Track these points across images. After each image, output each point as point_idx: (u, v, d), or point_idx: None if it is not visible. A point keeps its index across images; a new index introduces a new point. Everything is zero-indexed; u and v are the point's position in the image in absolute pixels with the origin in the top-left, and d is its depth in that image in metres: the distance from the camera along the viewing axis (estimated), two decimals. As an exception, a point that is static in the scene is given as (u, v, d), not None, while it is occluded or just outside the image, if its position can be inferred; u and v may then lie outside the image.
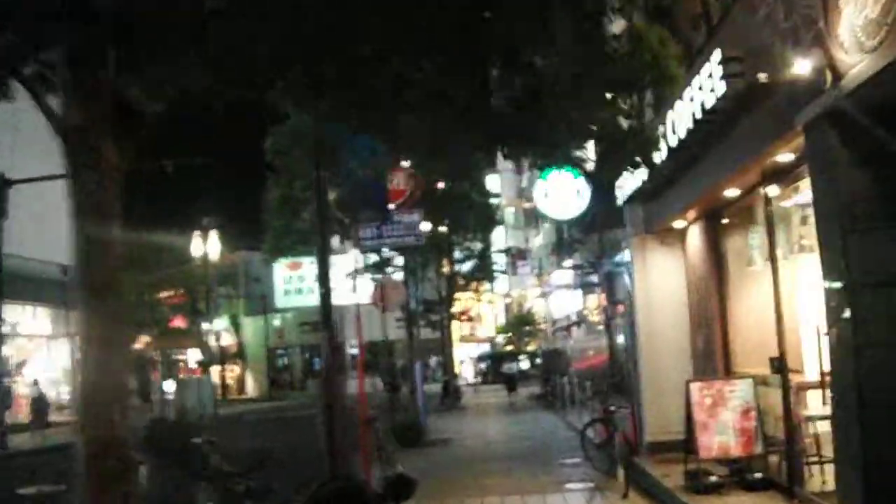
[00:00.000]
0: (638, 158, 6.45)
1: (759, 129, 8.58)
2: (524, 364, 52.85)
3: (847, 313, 6.90)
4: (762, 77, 7.77)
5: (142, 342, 67.62)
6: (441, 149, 7.51)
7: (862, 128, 6.71)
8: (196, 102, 6.44)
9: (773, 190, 9.99)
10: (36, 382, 37.61)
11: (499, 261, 42.27)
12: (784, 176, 9.53)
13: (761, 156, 8.85)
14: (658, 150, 7.18)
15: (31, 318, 39.28)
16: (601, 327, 38.01)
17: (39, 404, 34.08)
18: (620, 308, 28.26)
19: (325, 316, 12.88)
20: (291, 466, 15.30)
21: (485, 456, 18.40)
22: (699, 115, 8.91)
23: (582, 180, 15.34)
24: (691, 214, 12.90)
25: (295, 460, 13.62)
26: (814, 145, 7.34)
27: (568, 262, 34.17)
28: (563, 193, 15.26)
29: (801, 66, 7.07)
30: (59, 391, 39.70)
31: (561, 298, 35.74)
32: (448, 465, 17.15)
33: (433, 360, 48.55)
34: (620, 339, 30.39)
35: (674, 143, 9.86)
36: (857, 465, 6.95)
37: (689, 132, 9.41)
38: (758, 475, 10.69)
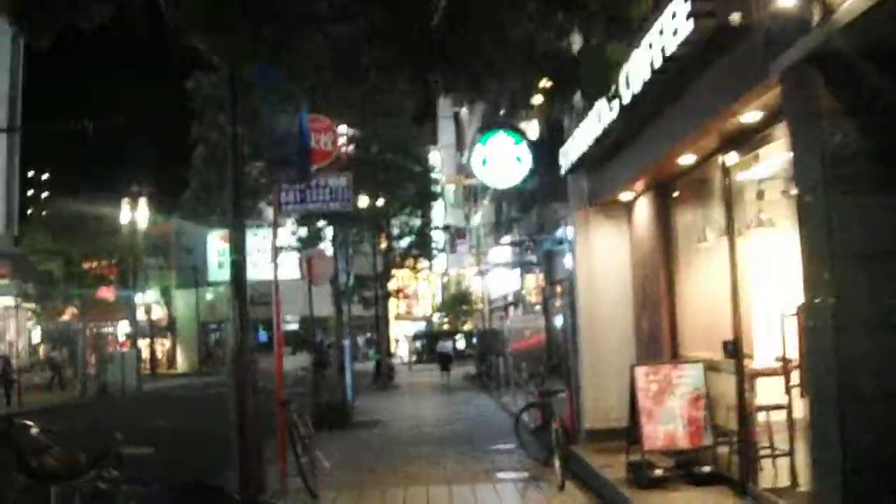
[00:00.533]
0: (592, 86, 5.32)
1: (724, 82, 7.53)
2: (460, 343, 52.00)
3: (828, 290, 5.90)
4: (735, 18, 6.69)
5: (69, 314, 65.81)
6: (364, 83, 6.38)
7: (853, 73, 5.68)
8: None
9: (731, 158, 9.01)
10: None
11: (438, 238, 41.06)
12: (746, 142, 8.54)
13: (724, 114, 7.82)
14: (617, 75, 6.09)
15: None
16: (539, 308, 37.33)
17: None
18: (559, 288, 27.40)
19: (237, 288, 11.62)
20: (187, 453, 14.06)
21: (414, 440, 17.31)
22: (658, 64, 7.82)
23: (523, 146, 14.22)
24: (640, 185, 11.88)
25: (195, 447, 12.36)
26: (794, 96, 6.30)
27: (506, 239, 33.16)
28: (503, 160, 14.13)
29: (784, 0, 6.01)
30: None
31: (498, 277, 34.75)
32: (373, 449, 16.03)
33: (361, 339, 47.20)
34: (559, 320, 29.65)
35: (627, 98, 8.78)
36: (836, 464, 5.96)
37: (646, 85, 8.33)
38: (706, 469, 9.75)
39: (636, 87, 8.54)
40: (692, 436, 9.91)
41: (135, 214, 39.15)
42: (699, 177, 10.39)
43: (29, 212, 42.09)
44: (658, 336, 12.03)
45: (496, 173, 14.44)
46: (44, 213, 38.77)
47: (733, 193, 9.25)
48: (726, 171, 9.21)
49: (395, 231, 35.57)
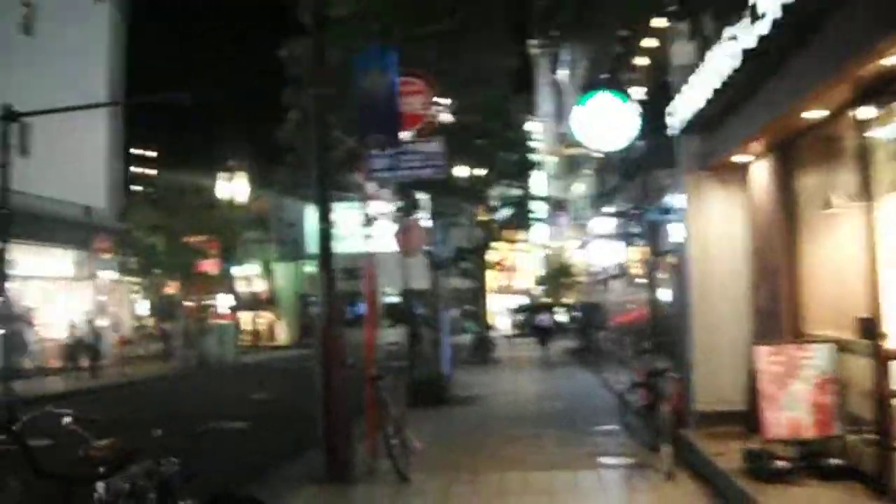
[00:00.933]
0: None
1: (864, 20, 6.47)
2: (560, 317, 50.86)
3: None
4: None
5: (174, 287, 66.74)
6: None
7: None
8: None
9: (867, 111, 7.92)
10: (74, 326, 36.47)
11: (538, 209, 39.80)
12: (885, 92, 7.45)
13: (866, 56, 6.75)
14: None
15: (51, 260, 37.80)
16: (642, 281, 36.03)
17: (76, 348, 33.37)
18: (665, 260, 26.26)
19: (325, 259, 11.00)
20: (275, 428, 13.56)
21: (512, 418, 16.52)
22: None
23: (629, 106, 13.18)
24: (758, 146, 10.77)
25: (284, 421, 11.80)
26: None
27: (608, 210, 31.99)
28: (607, 122, 13.12)
29: None
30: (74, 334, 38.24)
31: (600, 249, 33.55)
32: (469, 428, 15.31)
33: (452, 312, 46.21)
34: (663, 293, 28.45)
35: (751, 42, 7.74)
36: None
37: (775, 26, 7.27)
38: (836, 461, 8.67)
39: (763, 28, 7.50)
40: (819, 424, 8.87)
41: (233, 188, 38.99)
42: (827, 135, 9.28)
43: (132, 188, 42.14)
44: (776, 312, 10.95)
45: (600, 136, 13.44)
46: (146, 189, 38.72)
47: (868, 153, 8.16)
48: (860, 128, 8.14)
49: (494, 203, 34.62)
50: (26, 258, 36.15)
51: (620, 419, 13.48)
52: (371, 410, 11.55)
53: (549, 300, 60.52)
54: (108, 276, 39.47)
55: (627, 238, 32.79)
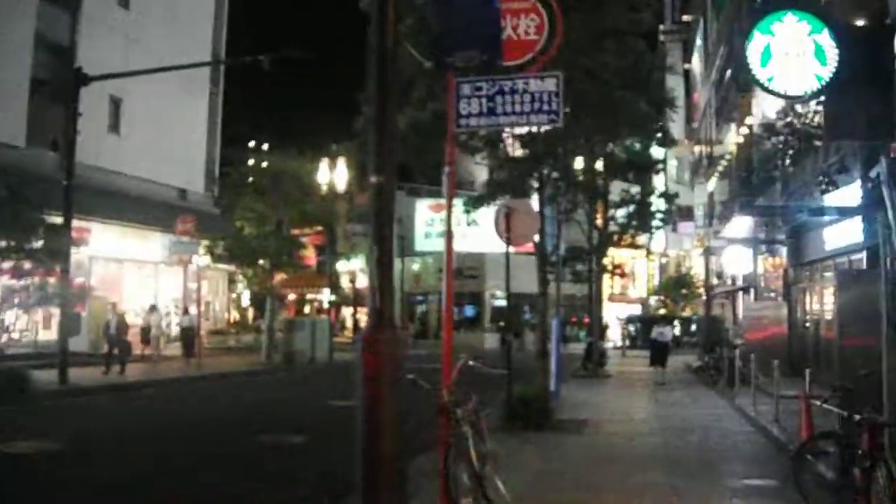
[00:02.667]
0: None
1: None
2: (676, 331, 46.15)
3: None
4: None
5: (277, 279, 64.29)
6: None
7: None
8: None
9: None
10: (186, 311, 34.07)
11: (659, 205, 34.70)
12: None
13: None
14: None
15: (140, 243, 35.30)
16: (773, 294, 31.67)
17: (188, 333, 31.27)
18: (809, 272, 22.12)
19: (381, 239, 7.45)
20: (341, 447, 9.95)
21: (633, 458, 12.58)
22: None
23: (826, 36, 9.21)
24: None
25: (348, 439, 8.34)
26: None
27: (745, 211, 27.65)
28: (795, 55, 9.21)
29: None
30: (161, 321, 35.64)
31: (727, 259, 29.14)
32: (578, 471, 11.41)
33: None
34: (811, 308, 24.23)
35: None
36: None
37: None
38: None
39: None
40: None
41: (333, 176, 35.81)
42: None
43: (225, 170, 39.36)
44: None
45: (784, 74, 9.48)
46: (242, 172, 35.71)
47: None
48: None
49: (613, 200, 30.51)
50: (111, 238, 33.82)
51: (796, 488, 9.24)
52: (443, 447, 7.92)
53: (664, 311, 56.04)
54: (200, 262, 36.86)
55: (764, 245, 28.43)
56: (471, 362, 8.47)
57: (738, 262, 28.34)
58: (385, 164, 7.42)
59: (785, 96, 10.16)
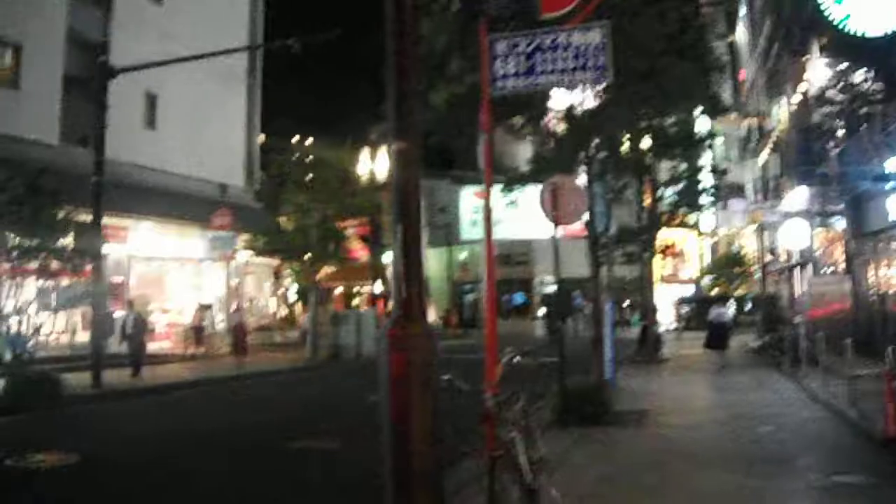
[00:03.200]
0: None
1: None
2: (731, 310, 44.29)
3: None
4: None
5: (322, 273, 63.39)
6: None
7: None
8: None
9: None
10: (238, 308, 33.49)
11: (708, 188, 32.96)
12: None
13: None
14: None
15: (181, 239, 34.51)
16: (831, 268, 30.11)
17: (238, 332, 30.27)
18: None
19: (403, 216, 6.37)
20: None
21: (703, 453, 11.27)
22: None
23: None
24: None
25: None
26: None
27: (797, 191, 26.13)
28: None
29: None
30: (214, 319, 34.96)
31: (788, 231, 27.54)
32: (639, 472, 10.17)
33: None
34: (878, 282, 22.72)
35: None
36: None
37: None
38: None
39: None
40: None
41: (374, 164, 34.79)
42: None
43: (271, 166, 38.29)
44: None
45: (863, 11, 8.15)
46: (281, 164, 34.56)
47: None
48: None
49: (662, 180, 29.01)
50: (151, 236, 33.09)
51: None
52: (489, 457, 6.78)
53: (717, 291, 54.35)
54: (243, 257, 36.07)
55: (820, 218, 26.86)
56: (517, 358, 7.31)
57: (795, 236, 26.78)
58: (406, 128, 6.31)
59: (863, 38, 8.87)
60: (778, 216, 28.86)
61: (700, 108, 26.18)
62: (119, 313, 31.23)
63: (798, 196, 25.76)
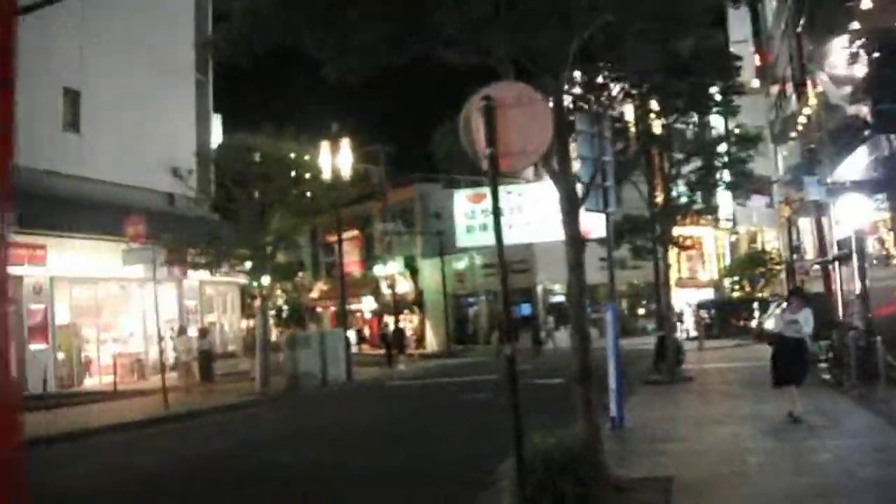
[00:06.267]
0: None
1: None
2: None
3: None
4: None
5: (317, 290, 57.65)
6: None
7: None
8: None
9: None
10: (205, 334, 27.95)
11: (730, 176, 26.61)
12: None
13: None
14: None
15: (115, 258, 28.54)
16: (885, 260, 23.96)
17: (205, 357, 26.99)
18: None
19: None
20: None
21: None
22: None
23: None
24: None
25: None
26: None
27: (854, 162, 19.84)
28: None
29: None
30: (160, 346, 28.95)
31: (845, 211, 21.11)
32: None
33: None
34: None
35: None
36: None
37: None
38: None
39: None
40: None
41: (336, 160, 28.79)
42: None
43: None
44: None
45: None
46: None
47: None
48: None
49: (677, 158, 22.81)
50: (80, 256, 27.27)
51: None
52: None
53: (739, 294, 48.06)
54: (195, 276, 30.17)
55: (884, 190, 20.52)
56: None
57: (852, 214, 20.41)
58: None
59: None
60: (822, 193, 22.46)
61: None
62: (37, 346, 25.73)
63: (854, 166, 19.52)
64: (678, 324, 39.33)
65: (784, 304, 14.59)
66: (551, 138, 7.47)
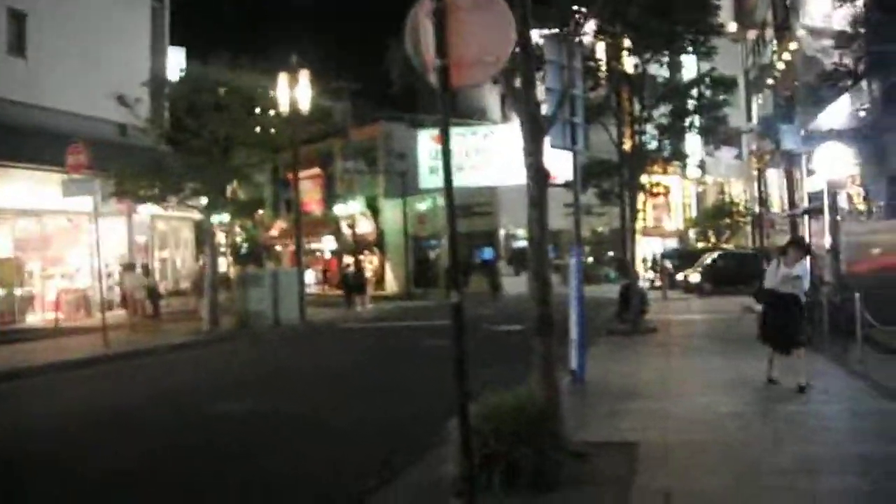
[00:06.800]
0: None
1: None
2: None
3: None
4: None
5: (277, 228, 56.16)
6: None
7: None
8: None
9: None
10: (147, 271, 27.80)
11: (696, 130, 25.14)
12: None
13: None
14: None
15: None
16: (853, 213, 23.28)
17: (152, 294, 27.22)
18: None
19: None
20: None
21: None
22: None
23: None
24: None
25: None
26: None
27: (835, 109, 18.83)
28: None
29: None
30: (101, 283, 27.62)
31: (825, 157, 20.11)
32: None
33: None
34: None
35: None
36: None
37: None
38: None
39: None
40: None
41: (294, 93, 27.36)
42: None
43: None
44: None
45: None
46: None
47: None
48: None
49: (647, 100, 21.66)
50: (23, 187, 25.81)
51: None
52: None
53: (703, 245, 47.33)
54: (146, 210, 28.74)
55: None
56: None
57: (832, 163, 19.37)
58: None
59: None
60: (798, 142, 21.47)
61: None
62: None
63: (835, 115, 18.50)
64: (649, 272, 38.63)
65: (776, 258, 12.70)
66: (513, 50, 6.32)
